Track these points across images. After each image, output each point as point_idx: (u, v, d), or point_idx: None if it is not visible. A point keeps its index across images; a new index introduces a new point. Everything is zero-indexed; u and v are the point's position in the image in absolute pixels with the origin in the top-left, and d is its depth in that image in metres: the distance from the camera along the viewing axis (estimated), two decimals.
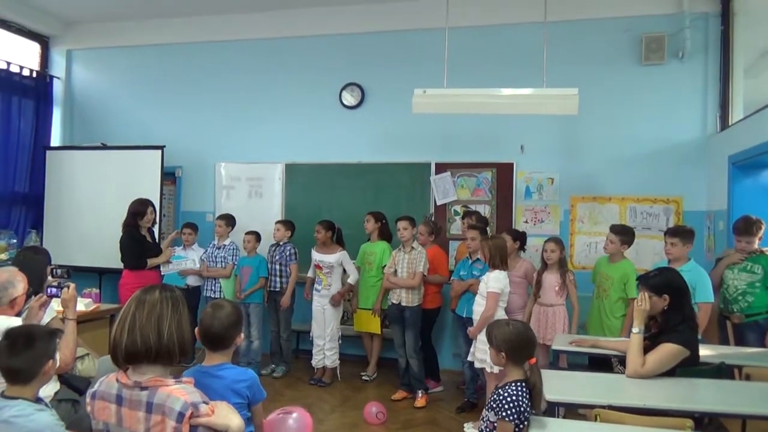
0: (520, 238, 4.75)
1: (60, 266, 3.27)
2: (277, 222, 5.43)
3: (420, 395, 4.67)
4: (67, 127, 6.77)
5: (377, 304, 4.94)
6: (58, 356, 2.17)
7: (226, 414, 1.85)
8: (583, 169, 5.39)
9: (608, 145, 5.32)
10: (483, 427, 2.39)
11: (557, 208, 5.45)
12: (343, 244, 5.16)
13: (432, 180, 5.67)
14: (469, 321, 4.20)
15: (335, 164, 5.93)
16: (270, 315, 5.43)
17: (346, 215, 5.58)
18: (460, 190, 5.63)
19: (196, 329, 2.15)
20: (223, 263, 5.35)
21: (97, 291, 4.86)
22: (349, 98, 5.96)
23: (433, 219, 5.45)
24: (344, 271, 5.07)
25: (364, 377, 5.22)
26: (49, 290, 2.92)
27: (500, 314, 3.90)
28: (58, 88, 6.69)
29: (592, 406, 2.47)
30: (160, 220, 5.76)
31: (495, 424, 2.30)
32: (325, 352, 5.07)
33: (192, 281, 5.48)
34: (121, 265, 5.09)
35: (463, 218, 5.24)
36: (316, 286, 5.11)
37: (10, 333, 2.11)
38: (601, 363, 3.64)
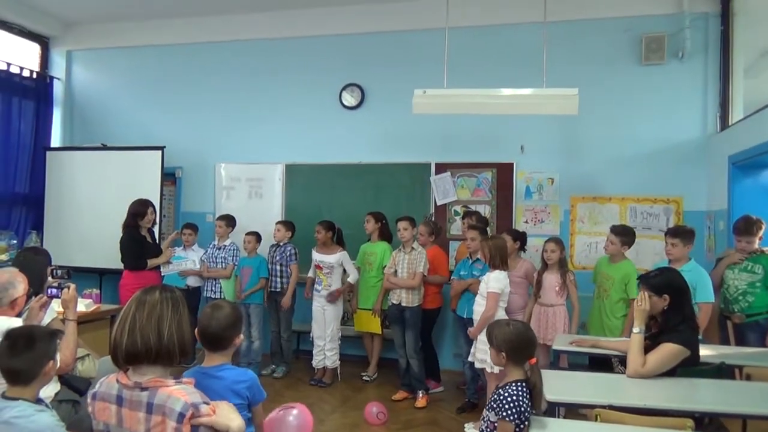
0: (521, 238, 4.75)
1: (60, 267, 3.28)
2: (278, 222, 5.43)
3: (420, 395, 4.67)
4: (68, 127, 6.78)
5: (377, 305, 4.94)
6: (58, 357, 2.18)
7: (227, 414, 1.86)
8: (583, 169, 5.39)
9: (608, 145, 5.32)
10: (483, 427, 2.40)
11: (557, 208, 5.45)
12: (343, 245, 5.16)
13: (432, 180, 5.67)
14: (469, 321, 4.20)
15: (335, 165, 5.93)
16: (270, 315, 5.43)
17: (347, 215, 5.58)
18: (460, 191, 5.63)
19: (196, 330, 2.15)
20: (224, 264, 5.35)
21: (98, 292, 4.86)
22: (349, 98, 5.97)
23: (433, 219, 5.45)
24: (344, 271, 5.08)
25: (364, 377, 5.22)
26: (49, 291, 2.92)
27: (500, 314, 3.90)
28: (58, 88, 6.69)
29: (592, 406, 2.47)
30: (161, 221, 5.76)
31: (495, 424, 2.31)
32: (326, 353, 5.07)
33: (192, 282, 5.48)
34: (121, 266, 5.09)
35: (463, 218, 5.24)
36: (316, 286, 5.11)
37: (11, 334, 2.11)
38: (601, 363, 3.64)
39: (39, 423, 1.97)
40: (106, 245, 5.48)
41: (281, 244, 5.32)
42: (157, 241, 5.49)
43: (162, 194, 5.94)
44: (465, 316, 4.38)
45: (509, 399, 2.28)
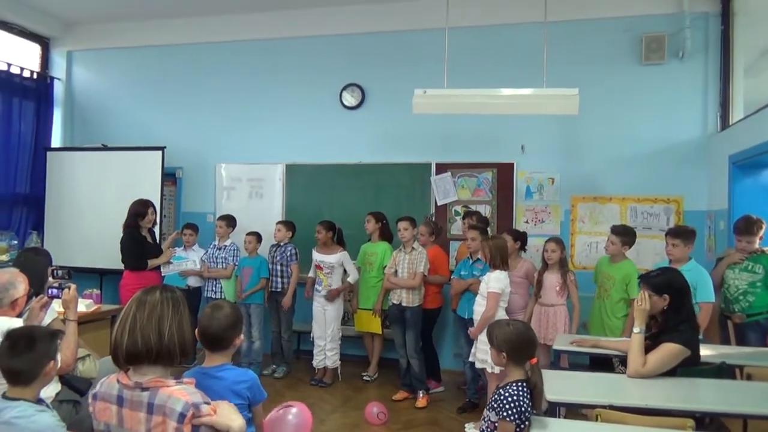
0: (521, 238, 4.75)
1: (61, 267, 3.27)
2: (278, 222, 5.43)
3: (421, 395, 4.67)
4: (68, 128, 6.78)
5: (378, 305, 4.94)
6: (59, 357, 2.17)
7: (228, 414, 1.86)
8: (583, 169, 5.39)
9: (608, 145, 5.32)
10: (484, 427, 2.39)
11: (558, 208, 5.45)
12: (343, 245, 5.16)
13: (432, 180, 5.67)
14: (470, 322, 4.20)
15: (336, 165, 5.93)
16: (271, 315, 5.43)
17: (347, 215, 5.58)
18: (460, 191, 5.63)
19: (197, 330, 2.15)
20: (224, 264, 5.35)
21: (98, 292, 4.86)
22: (349, 99, 5.97)
23: (433, 219, 5.45)
24: (345, 271, 5.08)
25: (365, 377, 5.22)
26: (50, 291, 2.92)
27: (501, 314, 3.90)
28: (58, 89, 6.69)
29: (593, 406, 2.47)
30: (161, 221, 5.76)
31: (496, 424, 2.31)
32: (326, 353, 5.07)
33: (193, 282, 5.48)
34: (121, 266, 5.09)
35: (463, 218, 5.23)
36: (316, 286, 5.11)
37: (11, 334, 2.11)
38: (602, 363, 3.64)
39: (40, 423, 1.97)
40: (106, 245, 5.49)
41: (282, 244, 5.32)
42: (158, 242, 5.48)
43: (162, 194, 5.95)
44: (465, 316, 4.38)
45: (510, 399, 2.28)
